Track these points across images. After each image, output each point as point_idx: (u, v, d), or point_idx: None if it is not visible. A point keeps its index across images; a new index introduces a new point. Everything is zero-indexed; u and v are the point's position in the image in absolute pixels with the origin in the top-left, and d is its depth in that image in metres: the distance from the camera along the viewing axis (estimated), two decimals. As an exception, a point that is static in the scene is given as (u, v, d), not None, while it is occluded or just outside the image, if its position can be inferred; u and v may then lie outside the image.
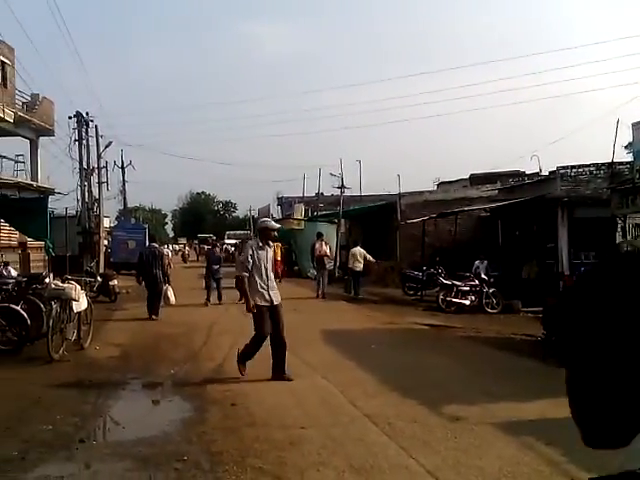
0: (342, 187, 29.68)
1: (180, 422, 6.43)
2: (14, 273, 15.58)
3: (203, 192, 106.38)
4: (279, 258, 35.83)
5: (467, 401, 6.90)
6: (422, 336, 12.17)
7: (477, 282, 15.79)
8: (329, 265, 21.76)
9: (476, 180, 29.27)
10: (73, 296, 9.87)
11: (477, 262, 17.52)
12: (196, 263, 41.76)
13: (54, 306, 9.65)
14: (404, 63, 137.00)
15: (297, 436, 5.76)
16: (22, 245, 23.57)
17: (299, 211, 35.91)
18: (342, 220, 27.62)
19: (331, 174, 31.05)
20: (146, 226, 39.06)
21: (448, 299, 15.72)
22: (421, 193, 26.81)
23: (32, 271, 19.10)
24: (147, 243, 31.01)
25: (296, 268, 31.37)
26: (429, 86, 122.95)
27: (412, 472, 4.91)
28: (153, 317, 14.62)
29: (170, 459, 5.08)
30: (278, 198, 54.02)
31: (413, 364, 9.06)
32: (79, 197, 27.06)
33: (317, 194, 42.27)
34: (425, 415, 6.36)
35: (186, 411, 6.98)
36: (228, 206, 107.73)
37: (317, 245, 20.41)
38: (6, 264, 18.38)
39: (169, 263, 18.85)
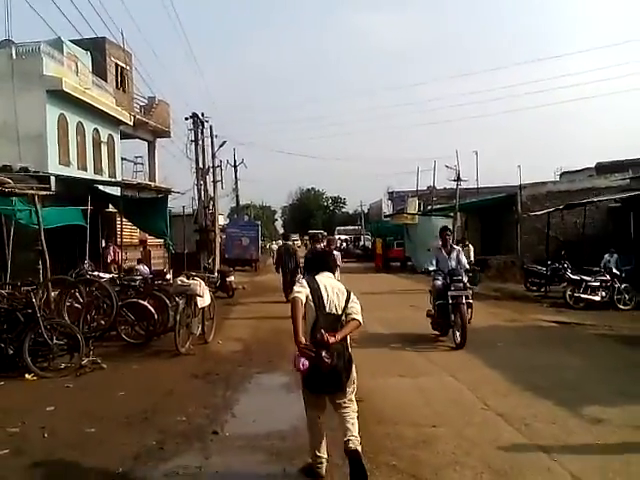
0: (458, 179, 28.86)
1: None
2: (146, 270, 16.42)
3: (312, 188, 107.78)
4: (380, 252, 35.71)
5: (606, 402, 6.58)
6: (551, 334, 11.62)
7: (608, 277, 14.95)
8: None
9: (603, 169, 27.83)
10: (198, 292, 10.18)
11: (607, 256, 16.70)
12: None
13: (180, 302, 10.00)
14: (522, 50, 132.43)
15: (429, 435, 5.62)
16: (143, 243, 24.74)
17: (413, 205, 35.39)
18: (458, 214, 26.90)
19: (446, 166, 30.34)
20: (259, 223, 39.92)
21: (576, 295, 14.99)
22: (543, 184, 25.77)
23: (153, 268, 20.03)
24: (260, 239, 31.81)
25: (410, 263, 31.04)
26: (549, 73, 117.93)
27: (555, 475, 4.73)
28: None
29: (302, 453, 5.06)
30: (389, 193, 53.77)
31: (544, 363, 8.74)
32: (195, 196, 27.86)
33: (430, 187, 41.51)
34: (563, 416, 6.08)
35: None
36: (337, 201, 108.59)
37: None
38: (139, 261, 19.46)
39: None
